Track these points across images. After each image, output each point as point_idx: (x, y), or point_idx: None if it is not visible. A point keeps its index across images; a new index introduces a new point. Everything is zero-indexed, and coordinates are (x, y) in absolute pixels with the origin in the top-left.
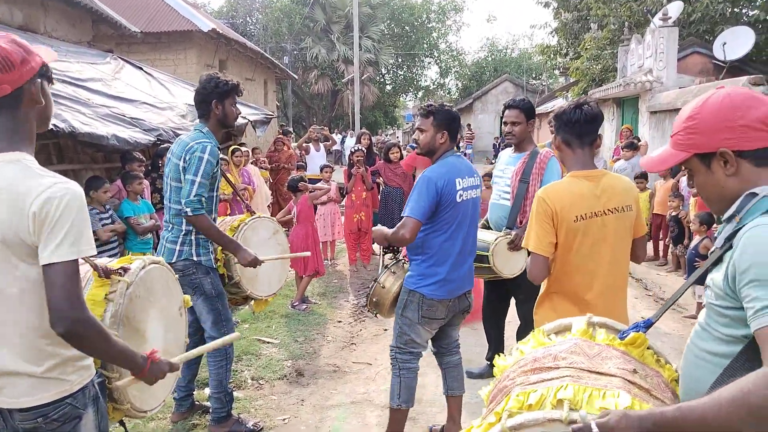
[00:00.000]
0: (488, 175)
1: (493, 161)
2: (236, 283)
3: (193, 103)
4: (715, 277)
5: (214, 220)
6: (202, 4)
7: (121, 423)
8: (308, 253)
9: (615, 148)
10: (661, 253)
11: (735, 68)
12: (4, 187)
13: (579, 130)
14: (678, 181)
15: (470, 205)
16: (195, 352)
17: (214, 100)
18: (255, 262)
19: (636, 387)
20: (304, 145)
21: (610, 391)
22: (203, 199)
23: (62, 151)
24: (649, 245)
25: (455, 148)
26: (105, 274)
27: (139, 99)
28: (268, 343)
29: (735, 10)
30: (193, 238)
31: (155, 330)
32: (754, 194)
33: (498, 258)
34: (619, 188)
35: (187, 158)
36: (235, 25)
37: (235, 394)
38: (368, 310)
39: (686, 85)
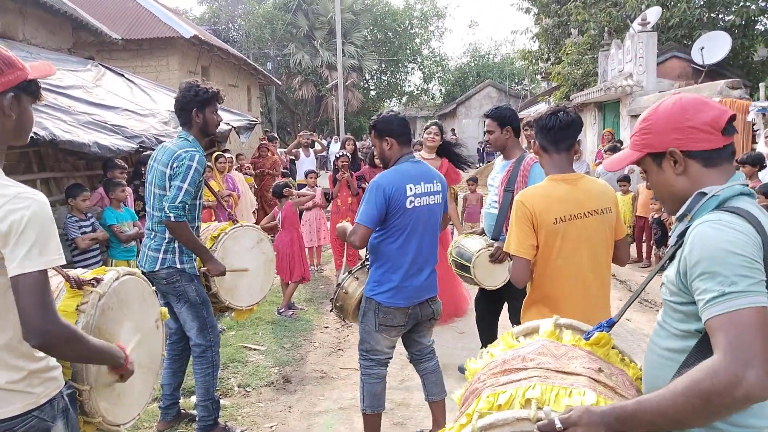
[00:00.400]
0: (473, 180)
1: (479, 165)
2: (214, 293)
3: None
4: (669, 273)
5: (197, 228)
6: (183, 11)
7: None
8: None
9: (597, 151)
10: (644, 255)
11: (713, 72)
12: None
13: (554, 136)
14: None
15: (425, 211)
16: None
17: (194, 109)
18: (221, 274)
19: (601, 385)
20: (293, 150)
21: (576, 390)
22: (187, 206)
23: (43, 159)
24: (633, 247)
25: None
26: (77, 285)
27: (121, 106)
28: (255, 350)
29: (712, 15)
30: (176, 245)
31: (128, 343)
32: (704, 194)
33: (479, 270)
34: (596, 191)
35: (174, 166)
36: (218, 31)
37: (221, 401)
38: (336, 315)
39: (666, 89)
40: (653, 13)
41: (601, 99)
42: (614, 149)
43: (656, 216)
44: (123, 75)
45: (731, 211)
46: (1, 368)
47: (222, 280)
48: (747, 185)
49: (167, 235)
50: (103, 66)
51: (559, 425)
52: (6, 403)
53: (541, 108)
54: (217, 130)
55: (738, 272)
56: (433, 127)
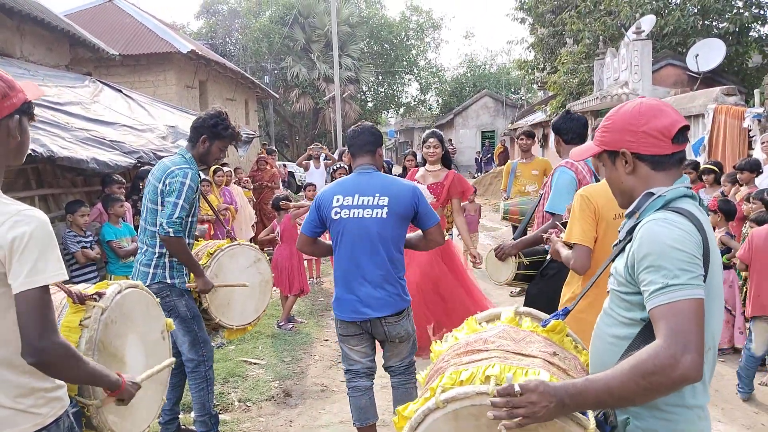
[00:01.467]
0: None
1: (476, 175)
2: (205, 309)
3: (173, 124)
4: (618, 265)
5: (190, 245)
6: (180, 26)
7: None
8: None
9: None
10: None
11: (708, 79)
12: None
13: (579, 130)
14: None
15: (354, 224)
16: (153, 372)
17: (204, 135)
18: (207, 291)
19: (555, 367)
20: (304, 162)
21: (532, 370)
22: (183, 221)
23: (41, 175)
24: None
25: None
26: (80, 300)
27: (119, 122)
28: (255, 364)
29: (706, 22)
30: (166, 261)
31: (135, 355)
32: (651, 194)
33: (489, 264)
34: None
35: (167, 182)
36: (215, 45)
37: (221, 416)
38: None
39: (661, 97)
40: (647, 22)
41: (597, 107)
42: None
43: None
44: (121, 91)
45: (676, 211)
46: (6, 387)
47: (214, 297)
48: (690, 188)
49: (158, 249)
50: (100, 82)
51: (517, 389)
52: (12, 424)
53: (538, 117)
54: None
55: (680, 266)
56: (432, 139)
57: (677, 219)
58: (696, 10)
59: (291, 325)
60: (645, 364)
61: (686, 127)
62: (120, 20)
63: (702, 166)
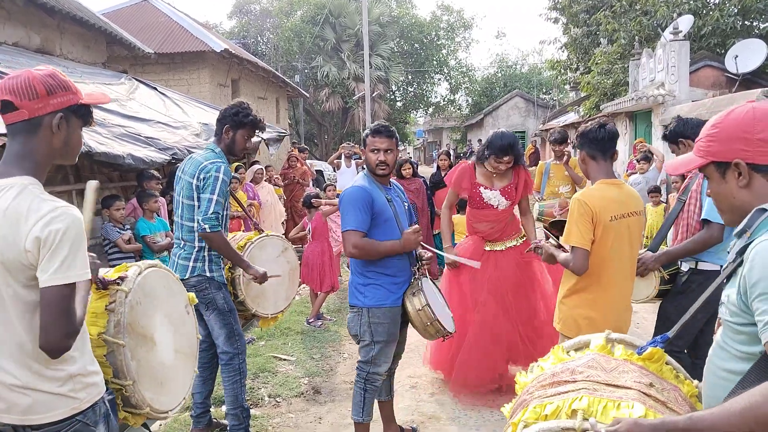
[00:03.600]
0: None
1: None
2: (241, 301)
3: (206, 122)
4: (730, 293)
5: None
6: (214, 25)
7: (145, 425)
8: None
9: (629, 162)
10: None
11: (748, 81)
12: (5, 209)
13: (604, 145)
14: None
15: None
16: None
17: (227, 125)
18: (263, 278)
19: (651, 399)
20: (335, 161)
21: (625, 402)
22: (219, 215)
23: (79, 170)
24: None
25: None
26: (103, 285)
27: (154, 118)
28: (285, 360)
29: (746, 22)
30: (205, 254)
31: (163, 333)
32: (764, 210)
33: None
34: (634, 195)
35: (201, 177)
36: (247, 45)
37: (252, 411)
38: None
39: (699, 99)
40: (685, 22)
41: (632, 109)
42: (647, 159)
43: None
44: (156, 88)
45: None
46: (45, 374)
47: (249, 289)
48: None
49: (196, 244)
50: (136, 80)
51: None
52: (52, 407)
53: (570, 118)
54: (241, 154)
55: None
56: (508, 157)
57: None
58: (736, 10)
59: (320, 323)
60: (761, 407)
61: None
62: (155, 19)
63: None
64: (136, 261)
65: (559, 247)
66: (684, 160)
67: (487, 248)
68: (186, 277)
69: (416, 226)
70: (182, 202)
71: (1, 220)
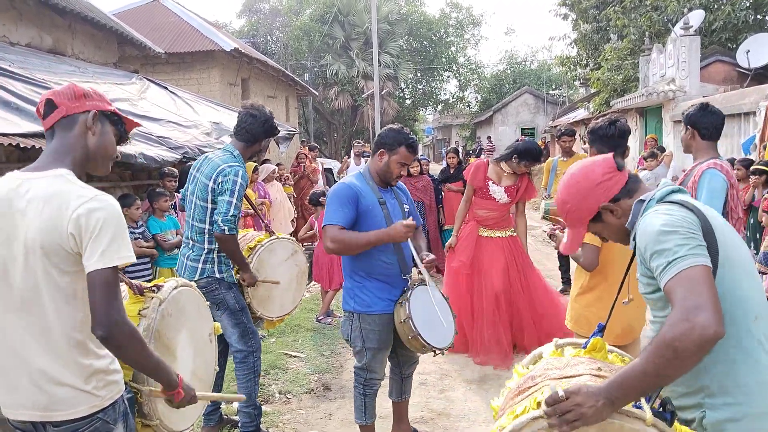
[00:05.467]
0: None
1: None
2: (248, 304)
3: (216, 121)
4: (638, 270)
5: None
6: (223, 24)
7: None
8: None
9: (639, 158)
10: None
11: (760, 75)
12: (48, 197)
13: (614, 142)
14: None
15: None
16: (214, 396)
17: (260, 137)
18: (252, 284)
19: (601, 379)
20: (346, 159)
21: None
22: (237, 218)
23: None
24: None
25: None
26: (139, 291)
27: (165, 118)
28: (295, 356)
29: (758, 17)
30: (215, 256)
31: (185, 351)
32: (642, 200)
33: None
34: None
35: (219, 180)
36: (256, 44)
37: (263, 408)
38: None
39: (710, 94)
40: (696, 17)
41: (643, 104)
42: (653, 156)
43: None
44: (166, 88)
45: (666, 203)
46: (78, 369)
47: (256, 291)
48: (674, 185)
49: (206, 245)
50: (147, 79)
51: (561, 393)
52: (75, 404)
53: (580, 114)
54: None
55: (677, 243)
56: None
57: (667, 207)
58: (748, 4)
59: (330, 320)
60: (665, 335)
61: (613, 156)
62: (166, 19)
63: (751, 167)
64: (151, 260)
65: None
66: (570, 240)
67: (482, 233)
68: (195, 278)
69: (410, 219)
70: (195, 203)
71: (43, 205)
